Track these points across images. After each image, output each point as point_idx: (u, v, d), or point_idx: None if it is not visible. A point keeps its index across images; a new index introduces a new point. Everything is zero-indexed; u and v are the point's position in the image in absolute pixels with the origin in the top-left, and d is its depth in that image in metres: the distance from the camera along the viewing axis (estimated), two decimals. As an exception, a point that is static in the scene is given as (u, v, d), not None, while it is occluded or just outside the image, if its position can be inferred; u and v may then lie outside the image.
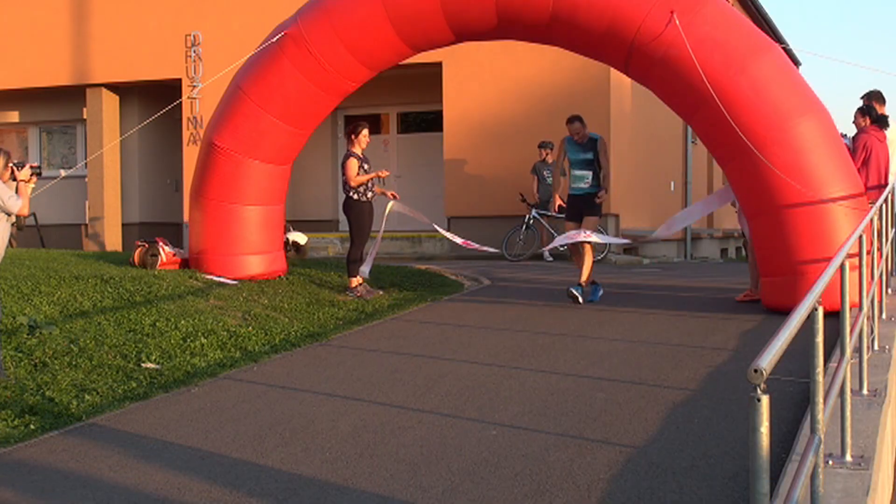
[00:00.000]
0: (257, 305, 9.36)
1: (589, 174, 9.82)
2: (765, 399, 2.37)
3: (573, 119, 9.81)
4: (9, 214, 6.44)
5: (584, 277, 9.82)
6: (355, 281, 10.40)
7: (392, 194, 10.71)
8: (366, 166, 10.35)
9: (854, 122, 9.66)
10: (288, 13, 10.81)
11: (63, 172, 13.56)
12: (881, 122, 9.44)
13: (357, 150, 10.41)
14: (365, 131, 10.53)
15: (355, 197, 10.32)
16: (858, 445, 4.43)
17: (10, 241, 6.66)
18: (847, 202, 8.44)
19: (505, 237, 15.14)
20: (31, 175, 6.52)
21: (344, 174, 10.33)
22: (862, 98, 9.83)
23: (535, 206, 14.97)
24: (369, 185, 10.36)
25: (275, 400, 6.15)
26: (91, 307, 8.44)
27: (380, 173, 10.45)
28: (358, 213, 10.36)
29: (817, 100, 8.82)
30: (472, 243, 11.06)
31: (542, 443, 5.01)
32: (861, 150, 9.30)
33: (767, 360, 2.39)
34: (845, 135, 9.77)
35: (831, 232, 8.37)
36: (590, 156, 9.80)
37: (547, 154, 15.02)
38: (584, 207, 9.87)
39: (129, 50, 17.92)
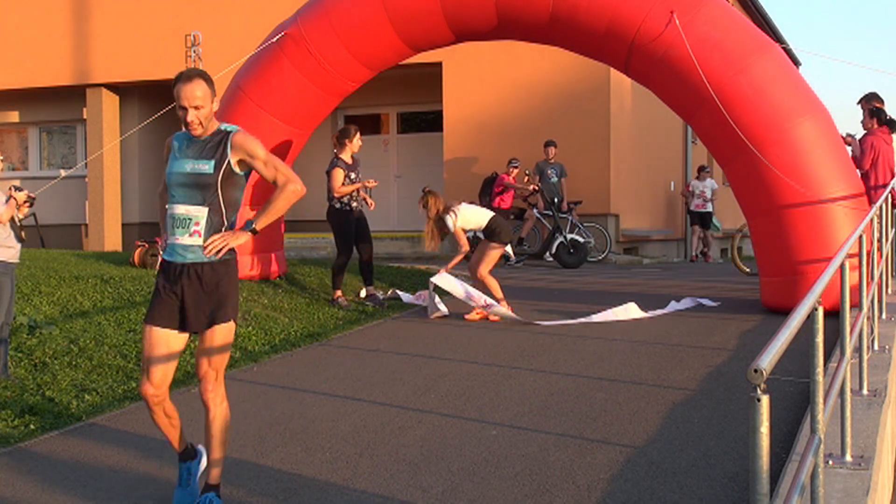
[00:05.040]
0: (257, 305, 9.36)
1: (203, 213, 4.19)
2: (765, 399, 2.37)
3: (188, 76, 4.18)
4: None
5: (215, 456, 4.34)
6: (339, 292, 10.01)
7: (370, 202, 10.08)
8: (352, 175, 9.84)
9: (862, 124, 9.69)
10: (288, 13, 10.81)
11: (63, 172, 13.54)
12: (891, 124, 9.45)
13: (346, 155, 9.90)
14: (359, 135, 10.00)
15: (337, 206, 9.90)
16: (858, 445, 4.42)
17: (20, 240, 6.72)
18: (847, 202, 8.44)
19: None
20: (25, 202, 6.53)
21: (329, 182, 9.91)
22: (859, 102, 9.83)
23: (536, 206, 14.94)
24: (354, 194, 9.90)
25: (275, 400, 6.15)
26: (91, 307, 8.44)
27: (367, 183, 9.96)
28: (340, 223, 9.94)
29: (817, 100, 8.81)
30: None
31: (542, 443, 5.01)
32: (870, 151, 9.32)
33: (767, 360, 2.39)
34: (853, 135, 9.79)
35: (831, 232, 8.36)
36: (207, 168, 4.17)
37: (553, 153, 15.00)
38: (205, 288, 4.21)
39: (129, 50, 17.91)
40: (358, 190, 9.96)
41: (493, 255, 9.43)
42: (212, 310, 4.18)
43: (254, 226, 4.16)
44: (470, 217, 9.44)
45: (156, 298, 4.24)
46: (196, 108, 4.11)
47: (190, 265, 4.18)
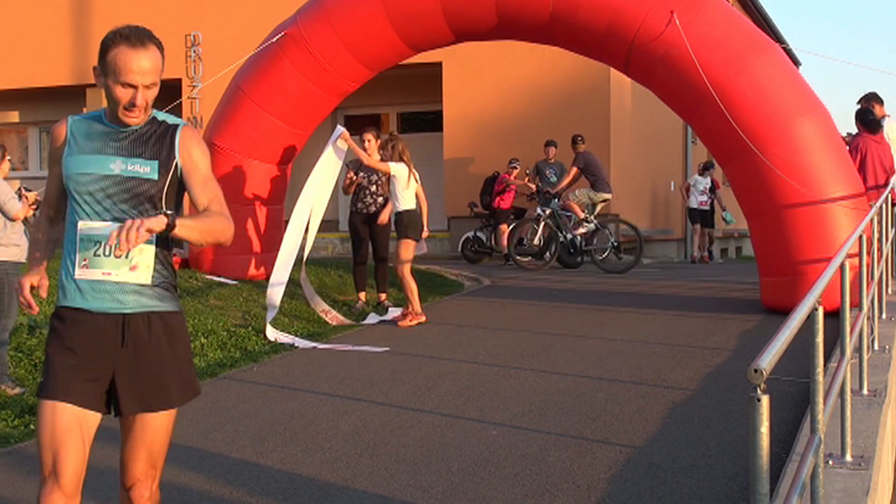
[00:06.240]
0: (257, 305, 9.36)
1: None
2: (765, 399, 2.37)
3: (139, 38, 2.96)
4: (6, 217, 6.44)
5: None
6: (357, 295, 9.98)
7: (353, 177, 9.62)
8: (361, 174, 9.66)
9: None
10: (288, 13, 10.81)
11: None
12: (870, 126, 9.44)
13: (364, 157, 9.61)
14: (366, 136, 9.57)
15: (349, 207, 9.95)
16: (858, 445, 4.42)
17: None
18: (847, 202, 8.44)
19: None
20: (32, 204, 6.60)
21: None
22: (859, 101, 9.83)
23: (541, 204, 14.88)
24: (360, 194, 9.71)
25: (275, 400, 6.15)
26: (91, 307, 8.43)
27: (352, 178, 9.65)
28: (349, 225, 9.98)
29: (817, 100, 8.82)
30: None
31: (542, 443, 5.01)
32: (853, 154, 9.32)
33: (767, 360, 2.38)
34: (850, 134, 9.79)
35: (831, 232, 8.37)
36: (149, 172, 2.95)
37: (553, 153, 15.00)
38: (157, 348, 2.98)
39: (129, 50, 17.92)
40: (366, 189, 9.70)
41: (407, 251, 8.95)
42: (169, 382, 2.94)
43: (176, 219, 2.82)
44: (402, 185, 8.87)
45: (60, 363, 2.86)
46: (148, 87, 2.89)
47: (133, 317, 2.90)
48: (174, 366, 2.96)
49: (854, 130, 9.93)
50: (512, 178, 14.78)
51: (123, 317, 2.90)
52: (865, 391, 5.42)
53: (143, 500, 2.96)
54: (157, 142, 2.96)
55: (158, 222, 2.76)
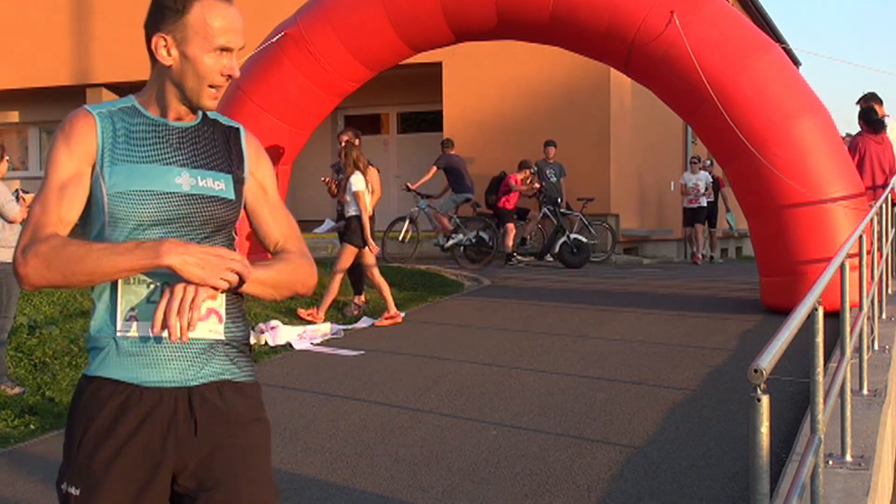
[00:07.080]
0: (257, 305, 9.36)
1: None
2: (765, 399, 2.37)
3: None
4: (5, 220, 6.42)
5: None
6: (353, 298, 9.93)
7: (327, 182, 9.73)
8: (340, 176, 9.63)
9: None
10: (288, 13, 10.81)
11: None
12: (873, 126, 9.44)
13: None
14: (342, 137, 9.68)
15: (336, 209, 9.99)
16: (858, 445, 4.42)
17: None
18: (847, 202, 8.44)
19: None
20: (28, 205, 6.59)
21: None
22: (858, 102, 9.83)
23: (544, 203, 14.87)
24: (341, 195, 9.63)
25: (275, 400, 6.15)
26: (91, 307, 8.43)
27: (335, 181, 9.74)
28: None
29: (817, 100, 8.82)
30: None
31: (542, 443, 5.01)
32: (853, 153, 9.32)
33: (767, 360, 2.38)
34: (852, 136, 9.78)
35: (831, 232, 8.36)
36: (224, 190, 2.15)
37: (553, 153, 14.99)
38: (235, 430, 2.09)
39: (129, 50, 17.88)
40: (341, 188, 9.62)
41: (346, 256, 9.08)
42: (249, 476, 2.04)
43: (249, 276, 2.10)
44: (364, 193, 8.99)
45: (96, 462, 1.99)
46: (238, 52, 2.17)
47: (199, 389, 2.07)
48: (259, 452, 2.09)
49: (853, 130, 9.92)
50: (518, 180, 14.76)
51: (189, 392, 2.05)
52: (865, 391, 5.42)
53: None
54: (223, 147, 2.15)
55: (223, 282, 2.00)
